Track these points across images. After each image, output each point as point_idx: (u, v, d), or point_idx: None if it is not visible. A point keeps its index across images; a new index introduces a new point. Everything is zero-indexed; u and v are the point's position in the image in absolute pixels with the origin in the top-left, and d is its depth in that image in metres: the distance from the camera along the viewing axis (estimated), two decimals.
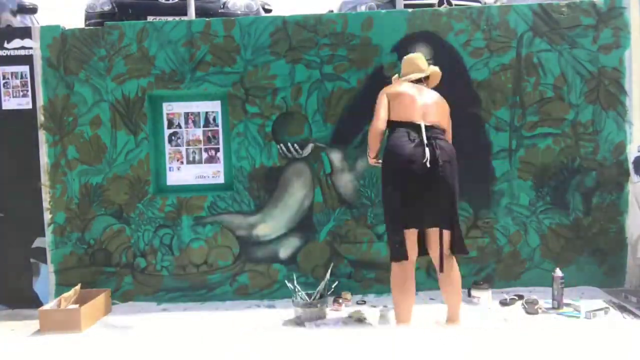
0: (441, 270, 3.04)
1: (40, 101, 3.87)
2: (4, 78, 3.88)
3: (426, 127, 3.03)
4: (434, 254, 3.07)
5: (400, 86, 3.22)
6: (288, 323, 3.43)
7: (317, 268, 3.85)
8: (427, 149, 2.93)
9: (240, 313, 3.63)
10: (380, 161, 3.16)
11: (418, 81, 3.28)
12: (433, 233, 3.04)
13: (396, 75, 3.45)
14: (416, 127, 3.03)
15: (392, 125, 3.11)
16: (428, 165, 2.91)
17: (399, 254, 2.98)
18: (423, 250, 3.13)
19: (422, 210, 2.99)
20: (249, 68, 3.84)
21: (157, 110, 3.97)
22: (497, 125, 3.85)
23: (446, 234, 3.02)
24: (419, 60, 3.34)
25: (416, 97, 3.12)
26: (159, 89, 3.86)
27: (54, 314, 3.43)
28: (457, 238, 3.04)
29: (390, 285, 3.06)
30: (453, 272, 3.09)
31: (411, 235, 3.02)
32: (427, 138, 2.98)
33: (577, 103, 3.83)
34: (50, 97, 3.86)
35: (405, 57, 3.38)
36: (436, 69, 3.39)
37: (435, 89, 3.30)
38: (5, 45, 3.86)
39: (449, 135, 3.23)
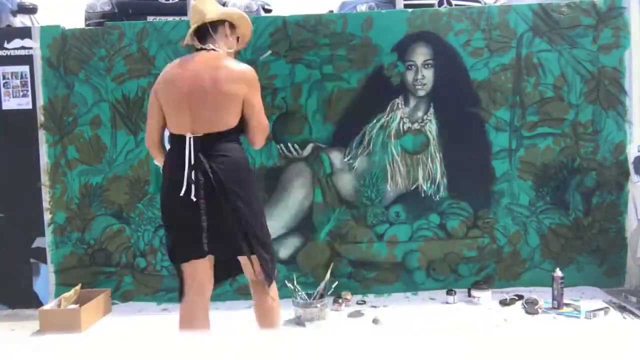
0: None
1: (40, 101, 3.87)
2: (4, 78, 3.88)
3: (197, 138, 2.28)
4: (247, 275, 2.48)
5: (169, 70, 2.38)
6: (288, 323, 3.43)
7: (317, 268, 3.85)
8: (188, 178, 2.25)
9: (240, 313, 3.63)
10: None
11: (205, 35, 2.39)
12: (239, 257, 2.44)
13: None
14: (183, 140, 2.30)
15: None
16: (193, 198, 2.25)
17: (179, 291, 2.50)
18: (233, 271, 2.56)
19: (197, 241, 2.32)
20: None
21: None
22: (497, 125, 3.85)
23: (253, 259, 2.38)
24: (207, 3, 2.39)
25: (182, 90, 2.29)
26: None
27: (54, 314, 3.43)
28: (264, 264, 2.37)
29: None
30: (267, 303, 2.44)
31: (198, 265, 2.42)
32: (196, 158, 2.26)
33: (577, 103, 3.83)
34: (50, 97, 3.86)
35: (192, 4, 2.50)
36: (236, 11, 2.50)
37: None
38: (5, 45, 3.86)
39: (251, 127, 2.38)
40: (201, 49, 2.38)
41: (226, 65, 2.32)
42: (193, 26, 2.38)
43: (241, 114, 2.35)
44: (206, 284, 2.48)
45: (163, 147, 2.51)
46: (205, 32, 2.39)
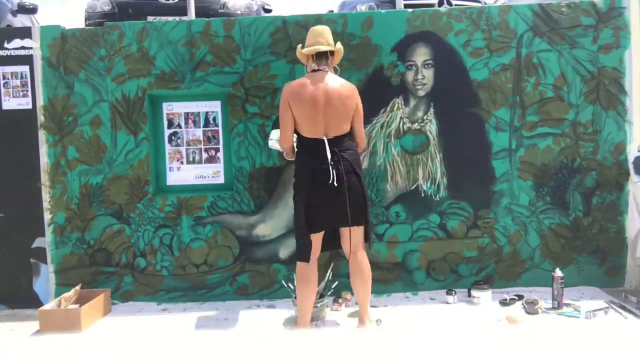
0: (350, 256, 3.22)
1: (40, 101, 3.87)
2: (4, 78, 3.88)
3: (330, 140, 3.08)
4: (345, 246, 3.23)
5: (299, 88, 3.11)
6: (288, 323, 3.43)
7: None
8: (331, 169, 3.02)
9: (240, 313, 3.63)
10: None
11: (321, 58, 3.17)
12: (345, 230, 3.19)
13: (300, 45, 3.29)
14: (321, 142, 3.08)
15: (299, 135, 3.17)
16: (335, 184, 3.02)
17: (303, 255, 3.15)
18: (333, 244, 3.31)
19: (328, 217, 3.12)
20: (249, 68, 3.84)
21: (157, 110, 3.97)
22: (497, 125, 3.85)
23: (357, 229, 3.18)
24: (326, 32, 3.21)
25: (318, 105, 3.06)
26: (159, 88, 3.86)
27: (54, 314, 3.42)
28: (369, 231, 3.23)
29: (295, 281, 3.26)
30: (365, 266, 3.21)
31: (317, 237, 3.17)
32: (332, 154, 3.05)
33: (577, 103, 3.83)
34: (50, 97, 3.86)
35: (312, 28, 3.26)
36: (340, 46, 3.26)
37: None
38: (5, 45, 3.86)
39: (359, 131, 3.24)
40: (318, 69, 3.14)
41: (342, 84, 3.13)
42: (314, 48, 3.12)
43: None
44: (317, 251, 3.22)
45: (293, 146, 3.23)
46: (322, 55, 3.17)
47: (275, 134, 3.33)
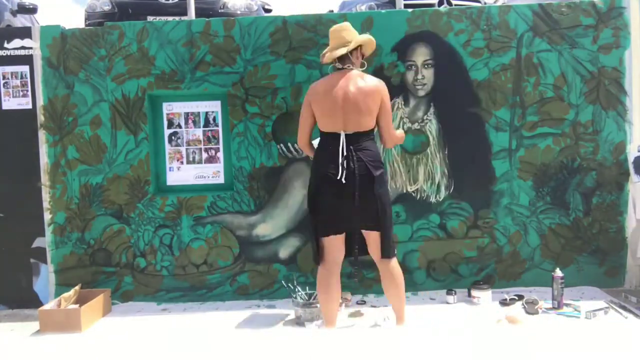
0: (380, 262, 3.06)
1: (40, 101, 3.87)
2: (4, 78, 3.88)
3: (348, 136, 2.96)
4: (371, 251, 3.09)
5: (321, 86, 3.06)
6: (288, 323, 3.43)
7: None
8: (340, 167, 2.90)
9: (240, 313, 3.63)
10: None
11: (343, 58, 3.07)
12: (366, 234, 3.05)
13: (326, 49, 3.15)
14: (337, 137, 2.98)
15: (320, 132, 3.10)
16: (343, 181, 2.89)
17: (315, 258, 3.09)
18: (362, 249, 3.09)
19: (337, 219, 2.99)
20: (249, 68, 3.84)
21: (157, 110, 3.97)
22: (497, 125, 3.85)
23: (375, 235, 3.01)
24: (344, 31, 3.08)
25: (337, 100, 2.96)
26: (159, 88, 3.86)
27: (54, 314, 3.42)
28: (385, 240, 3.01)
29: (316, 287, 3.14)
30: (393, 274, 3.04)
31: (333, 240, 3.04)
32: (347, 151, 2.93)
33: (577, 103, 3.83)
34: (50, 97, 3.86)
35: (331, 28, 3.14)
36: (366, 37, 3.14)
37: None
38: (5, 45, 3.86)
39: (386, 128, 3.08)
40: (342, 68, 3.05)
41: (365, 78, 3.02)
42: (336, 52, 3.02)
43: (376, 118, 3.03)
44: (338, 258, 3.07)
45: (311, 144, 3.16)
46: (343, 56, 3.04)
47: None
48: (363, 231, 3.04)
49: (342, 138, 2.95)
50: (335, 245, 3.05)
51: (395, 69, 3.83)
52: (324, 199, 2.99)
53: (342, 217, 2.98)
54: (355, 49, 3.09)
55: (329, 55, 3.07)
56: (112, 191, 3.87)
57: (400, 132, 3.28)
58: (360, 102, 2.95)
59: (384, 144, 3.18)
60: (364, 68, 3.17)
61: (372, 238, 3.03)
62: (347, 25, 3.12)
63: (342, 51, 3.03)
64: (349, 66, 3.07)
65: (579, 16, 3.80)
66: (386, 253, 3.02)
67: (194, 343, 3.11)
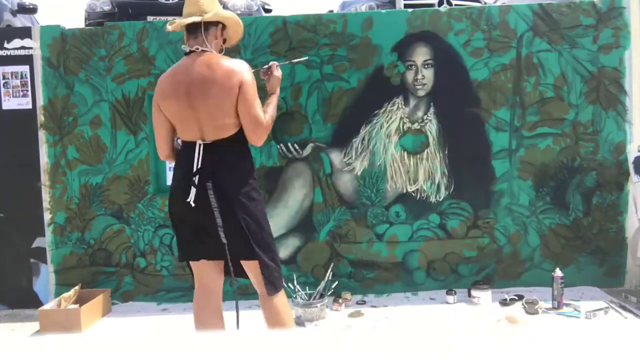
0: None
1: (40, 101, 3.87)
2: (4, 78, 3.88)
3: (207, 145, 2.28)
4: (254, 286, 2.44)
5: (166, 80, 2.33)
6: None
7: (317, 268, 3.85)
8: (192, 185, 2.26)
9: (240, 313, 3.62)
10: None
11: (196, 34, 2.31)
12: (243, 263, 2.40)
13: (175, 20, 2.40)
14: (192, 148, 2.30)
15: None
16: (192, 204, 2.25)
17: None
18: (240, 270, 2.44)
19: (198, 245, 2.37)
20: None
21: None
22: (497, 125, 3.85)
23: (252, 264, 2.35)
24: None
25: (183, 98, 2.25)
26: None
27: (54, 314, 3.42)
28: (265, 271, 2.32)
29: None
30: (279, 312, 2.36)
31: (205, 266, 2.42)
32: (203, 164, 2.26)
33: (577, 103, 3.83)
34: (50, 97, 3.86)
35: None
36: (233, 15, 2.42)
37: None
38: (5, 45, 3.86)
39: (244, 120, 2.26)
40: (190, 51, 2.32)
41: (214, 63, 2.25)
42: (187, 20, 2.28)
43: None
44: (211, 284, 2.44)
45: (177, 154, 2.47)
46: (196, 28, 2.31)
47: None
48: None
49: (198, 150, 2.27)
50: (205, 272, 2.42)
51: (395, 69, 3.83)
52: (181, 221, 2.39)
53: (204, 244, 2.34)
54: (215, 25, 2.35)
55: (178, 23, 2.32)
56: (112, 191, 3.87)
57: (268, 116, 2.32)
58: (214, 96, 2.21)
59: (249, 141, 2.35)
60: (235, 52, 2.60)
61: (249, 268, 2.37)
62: None
63: (194, 19, 2.26)
64: (197, 48, 2.29)
65: (579, 16, 3.80)
66: (270, 288, 2.32)
67: (194, 343, 3.11)
